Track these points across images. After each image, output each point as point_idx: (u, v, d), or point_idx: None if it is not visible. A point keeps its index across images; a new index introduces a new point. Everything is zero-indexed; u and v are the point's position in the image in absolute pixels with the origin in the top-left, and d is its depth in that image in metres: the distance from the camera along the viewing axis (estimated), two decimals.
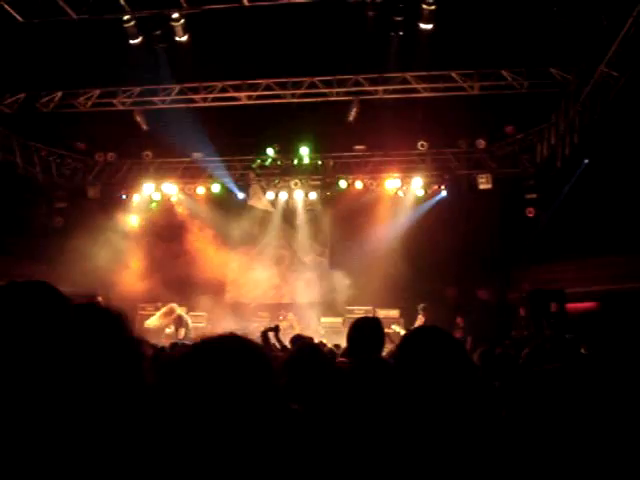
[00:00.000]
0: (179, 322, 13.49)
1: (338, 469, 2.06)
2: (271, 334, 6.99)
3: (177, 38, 11.28)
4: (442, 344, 2.30)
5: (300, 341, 6.88)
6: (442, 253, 14.86)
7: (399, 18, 11.02)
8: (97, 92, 13.59)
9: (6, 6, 10.25)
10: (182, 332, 13.14)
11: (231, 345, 1.59)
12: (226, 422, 1.45)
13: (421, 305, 12.95)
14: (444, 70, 12.84)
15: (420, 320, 12.72)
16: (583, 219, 13.59)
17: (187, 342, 11.51)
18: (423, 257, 15.02)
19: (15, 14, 10.42)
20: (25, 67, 12.02)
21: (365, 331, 4.19)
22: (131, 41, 11.20)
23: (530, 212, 14.62)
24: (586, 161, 13.55)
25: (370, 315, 4.53)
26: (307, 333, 11.82)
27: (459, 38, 11.41)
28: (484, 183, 14.88)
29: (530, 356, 4.90)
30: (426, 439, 2.07)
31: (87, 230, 15.08)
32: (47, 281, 2.03)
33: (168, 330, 13.70)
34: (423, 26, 10.84)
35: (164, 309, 13.75)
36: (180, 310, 13.74)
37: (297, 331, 12.99)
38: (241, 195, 16.64)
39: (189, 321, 13.64)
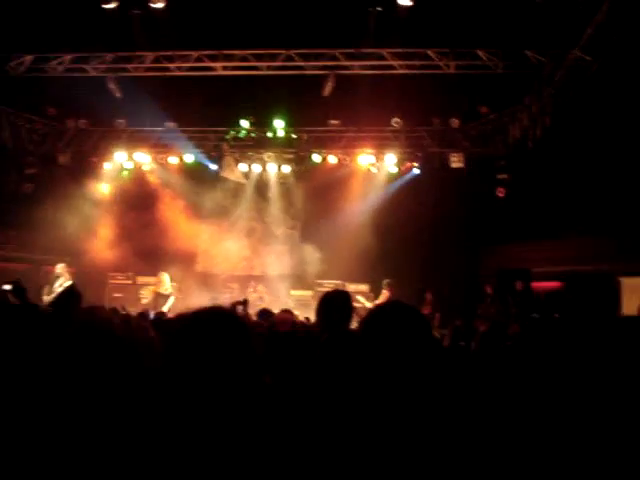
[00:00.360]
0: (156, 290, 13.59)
1: (304, 441, 2.07)
2: (239, 307, 7.09)
3: (153, 5, 11.09)
4: (405, 319, 2.28)
5: (267, 314, 6.98)
6: (412, 230, 15.05)
7: None
8: (69, 57, 13.30)
9: None
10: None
11: (217, 316, 1.71)
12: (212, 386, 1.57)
13: (385, 281, 13.10)
14: (420, 48, 12.84)
15: (384, 296, 12.87)
16: (551, 200, 13.83)
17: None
18: (393, 233, 15.20)
19: None
20: None
21: (335, 304, 4.22)
22: (105, 5, 10.98)
23: (500, 192, 14.78)
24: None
25: (339, 289, 4.60)
26: (277, 305, 11.92)
27: (437, 16, 11.41)
28: (456, 162, 15.01)
29: (489, 334, 5.03)
30: (390, 413, 2.10)
31: (57, 197, 14.94)
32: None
33: (145, 300, 13.73)
34: (401, 2, 10.81)
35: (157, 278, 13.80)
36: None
37: (267, 303, 13.08)
38: (213, 167, 16.54)
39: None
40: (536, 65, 12.48)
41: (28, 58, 13.20)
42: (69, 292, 5.42)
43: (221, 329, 1.67)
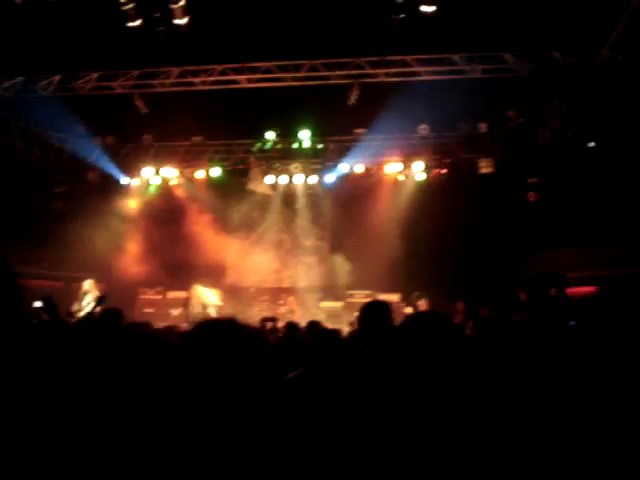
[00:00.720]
0: (186, 304, 13.60)
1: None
2: (269, 323, 7.12)
3: (176, 21, 11.17)
4: (437, 328, 2.30)
5: (294, 327, 6.95)
6: (442, 237, 14.86)
7: (401, 0, 10.92)
8: (96, 75, 13.46)
9: None
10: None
11: (226, 327, 1.71)
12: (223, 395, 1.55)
13: (415, 294, 12.93)
14: (446, 53, 12.73)
15: (414, 308, 12.70)
16: (584, 203, 13.57)
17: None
18: (423, 241, 15.03)
19: None
20: (23, 51, 11.89)
21: (374, 314, 4.18)
22: (130, 24, 11.09)
23: (531, 196, 14.56)
24: (592, 144, 13.44)
25: (379, 299, 4.63)
26: (307, 318, 11.84)
27: (461, 21, 11.30)
28: (485, 167, 14.84)
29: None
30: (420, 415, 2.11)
31: (86, 214, 15.06)
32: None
33: (175, 312, 13.74)
34: (425, 8, 10.72)
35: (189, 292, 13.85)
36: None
37: (297, 316, 13.02)
38: (241, 180, 16.56)
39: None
40: (564, 66, 12.29)
41: (56, 78, 13.36)
42: (111, 311, 5.48)
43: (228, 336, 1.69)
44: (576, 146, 13.08)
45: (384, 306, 4.32)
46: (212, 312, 13.22)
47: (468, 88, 13.07)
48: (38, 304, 5.51)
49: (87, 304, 12.73)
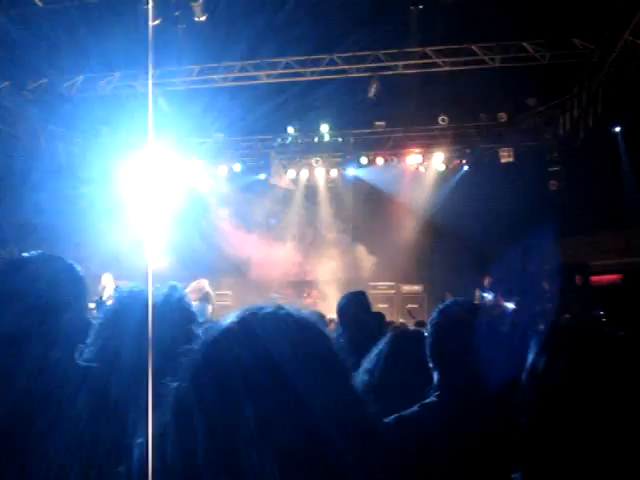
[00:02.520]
0: (206, 298, 13.57)
1: None
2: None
3: (196, 18, 11.25)
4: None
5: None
6: (464, 228, 14.83)
7: None
8: (117, 75, 13.62)
9: None
10: (210, 308, 13.21)
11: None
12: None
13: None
14: (464, 43, 12.70)
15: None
16: (606, 191, 13.49)
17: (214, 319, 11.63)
18: (445, 232, 14.99)
19: (36, 0, 10.47)
20: (46, 52, 12.06)
21: (353, 305, 4.35)
22: (150, 23, 11.17)
23: (553, 185, 14.49)
24: (618, 129, 13.30)
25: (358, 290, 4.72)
26: (331, 310, 11.90)
27: (479, 10, 11.26)
28: (506, 156, 14.78)
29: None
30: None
31: (111, 211, 15.23)
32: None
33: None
34: None
35: (193, 284, 13.82)
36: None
37: (321, 308, 13.07)
38: (263, 175, 16.65)
39: (214, 298, 13.72)
40: (584, 53, 12.21)
41: (79, 79, 13.54)
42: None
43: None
44: (597, 133, 12.97)
45: (362, 296, 4.46)
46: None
47: (487, 77, 13.04)
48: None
49: (107, 299, 12.92)
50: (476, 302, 12.91)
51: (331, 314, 8.73)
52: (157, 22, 11.25)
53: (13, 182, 14.31)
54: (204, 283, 13.69)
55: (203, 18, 11.26)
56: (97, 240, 14.80)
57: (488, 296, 12.66)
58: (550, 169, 14.59)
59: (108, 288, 13.22)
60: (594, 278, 13.42)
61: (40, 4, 10.61)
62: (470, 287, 13.40)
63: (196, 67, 13.41)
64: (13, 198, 14.16)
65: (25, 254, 2.12)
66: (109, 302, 2.54)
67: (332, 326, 6.58)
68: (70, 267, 2.14)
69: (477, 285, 13.64)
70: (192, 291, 13.72)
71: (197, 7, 11.09)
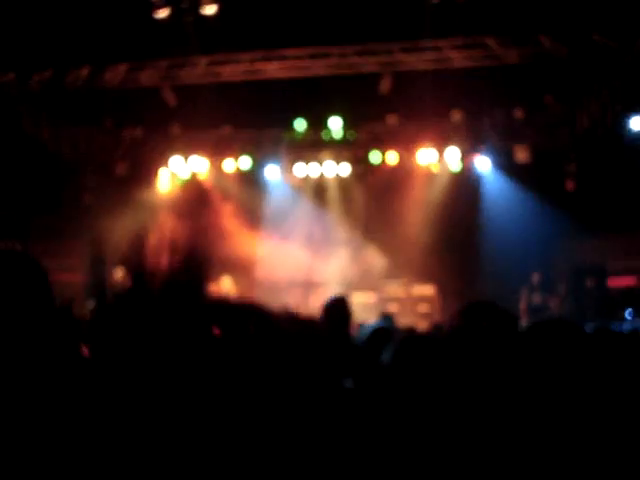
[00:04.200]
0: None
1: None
2: None
3: (204, 10, 11.08)
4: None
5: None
6: (477, 227, 14.66)
7: None
8: (124, 67, 13.42)
9: None
10: None
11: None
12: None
13: None
14: (480, 37, 12.43)
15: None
16: (625, 191, 13.27)
17: None
18: (458, 230, 14.81)
19: None
20: (51, 44, 11.90)
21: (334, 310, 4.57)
22: (157, 14, 11.03)
23: (569, 184, 14.25)
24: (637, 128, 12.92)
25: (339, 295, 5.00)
26: None
27: (495, 4, 11.06)
28: (521, 154, 14.52)
29: None
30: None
31: (116, 206, 15.08)
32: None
33: None
34: None
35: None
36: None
37: None
38: (271, 171, 16.42)
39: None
40: (604, 49, 11.91)
41: (84, 71, 13.35)
42: None
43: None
44: (616, 132, 12.72)
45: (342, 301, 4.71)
46: None
47: (503, 73, 12.81)
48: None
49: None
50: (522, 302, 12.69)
51: None
52: (165, 13, 11.11)
53: (17, 175, 14.21)
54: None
55: (212, 9, 11.10)
56: (102, 235, 14.70)
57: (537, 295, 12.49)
58: (567, 168, 14.31)
59: (122, 281, 13.16)
60: (611, 280, 13.19)
61: None
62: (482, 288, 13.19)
63: (204, 59, 13.18)
64: (16, 191, 14.07)
65: None
66: None
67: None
68: (33, 263, 2.01)
69: (494, 285, 13.39)
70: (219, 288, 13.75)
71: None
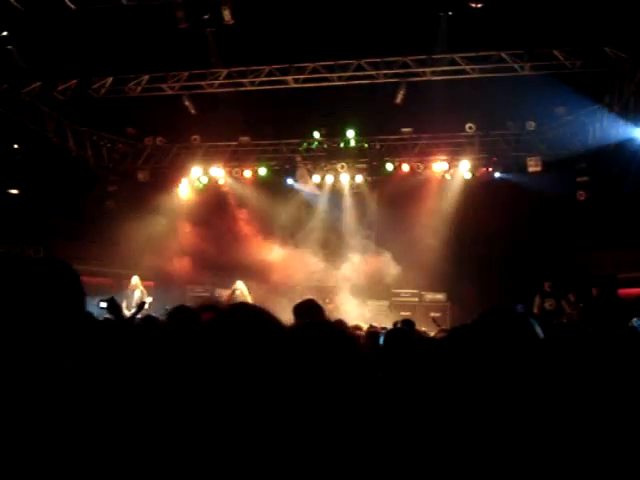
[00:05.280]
0: (230, 299, 13.74)
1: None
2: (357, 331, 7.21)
3: (225, 22, 11.30)
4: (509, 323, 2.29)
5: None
6: (490, 237, 14.68)
7: None
8: (146, 77, 13.73)
9: None
10: None
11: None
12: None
13: None
14: (494, 50, 12.59)
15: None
16: (635, 204, 13.26)
17: None
18: (470, 240, 14.86)
19: (68, 2, 10.60)
20: (77, 54, 12.20)
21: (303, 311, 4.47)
22: (180, 26, 11.26)
23: (581, 195, 14.29)
24: None
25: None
26: (353, 316, 11.86)
27: (509, 17, 11.15)
28: (534, 165, 14.59)
29: None
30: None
31: (137, 213, 15.36)
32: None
33: None
34: (473, 5, 10.64)
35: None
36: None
37: (343, 313, 13.02)
38: (288, 179, 16.67)
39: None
40: (615, 61, 12.03)
41: (108, 80, 13.69)
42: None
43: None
44: (628, 144, 12.75)
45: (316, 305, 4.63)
46: None
47: (516, 85, 12.91)
48: (103, 305, 5.76)
49: (136, 300, 13.06)
50: (536, 309, 12.77)
51: (356, 322, 8.75)
52: (186, 25, 11.35)
53: (41, 181, 14.49)
54: (238, 286, 13.86)
55: (232, 22, 11.32)
56: (122, 240, 14.97)
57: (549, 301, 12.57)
58: (578, 179, 14.36)
59: (138, 290, 13.44)
60: (621, 291, 13.19)
61: (72, 6, 10.72)
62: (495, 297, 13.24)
63: (223, 70, 13.47)
64: (40, 196, 14.34)
65: (24, 258, 2.14)
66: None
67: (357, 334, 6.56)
68: (67, 267, 2.11)
69: (504, 294, 13.46)
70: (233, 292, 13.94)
71: (226, 11, 11.15)
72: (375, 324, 10.09)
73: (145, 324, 4.95)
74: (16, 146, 14.68)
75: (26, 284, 1.95)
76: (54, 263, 2.08)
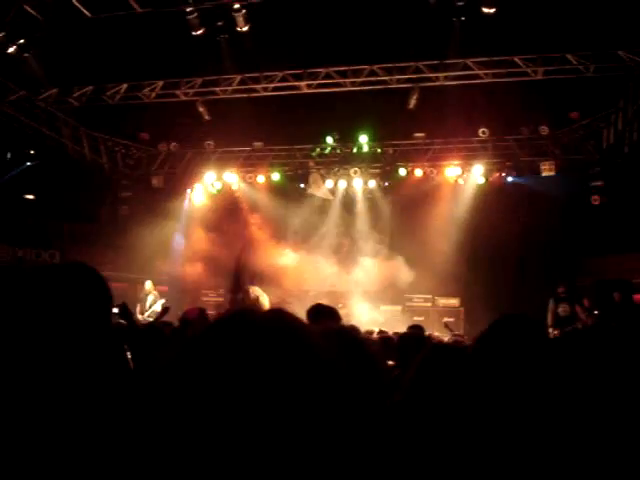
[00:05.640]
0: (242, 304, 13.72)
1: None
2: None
3: (238, 28, 11.36)
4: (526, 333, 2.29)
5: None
6: (504, 242, 14.62)
7: (461, 3, 10.87)
8: (160, 83, 13.82)
9: (75, 3, 10.56)
10: None
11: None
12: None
13: None
14: (507, 55, 12.55)
15: None
16: None
17: None
18: (484, 245, 14.80)
19: (84, 10, 10.71)
20: (92, 61, 12.33)
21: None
22: (193, 33, 11.34)
23: (596, 200, 14.21)
24: None
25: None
26: (366, 321, 11.85)
27: (522, 22, 11.14)
28: (547, 170, 14.54)
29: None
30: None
31: (151, 218, 15.45)
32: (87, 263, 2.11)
33: None
34: (485, 10, 10.64)
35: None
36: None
37: (355, 319, 13.02)
38: (301, 185, 16.69)
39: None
40: (630, 65, 11.96)
41: (123, 86, 13.79)
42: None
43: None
44: None
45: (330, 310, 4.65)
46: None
47: (529, 89, 12.88)
48: (115, 310, 5.84)
49: (149, 305, 13.14)
50: (549, 314, 12.67)
51: (369, 327, 8.77)
52: (200, 32, 11.42)
53: (58, 187, 14.62)
54: (255, 291, 13.87)
55: (245, 28, 11.38)
56: (136, 245, 15.05)
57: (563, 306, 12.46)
58: (593, 184, 14.29)
59: (151, 295, 13.52)
60: (637, 296, 13.08)
61: (87, 14, 10.83)
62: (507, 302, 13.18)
63: (237, 76, 13.52)
64: (55, 201, 14.47)
65: (51, 262, 2.15)
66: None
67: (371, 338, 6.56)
68: (93, 273, 2.11)
69: (518, 299, 13.38)
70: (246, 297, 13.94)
71: (240, 17, 11.22)
72: (384, 329, 10.09)
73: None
74: (32, 152, 14.86)
75: (55, 290, 1.94)
76: (81, 268, 2.08)
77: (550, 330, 11.80)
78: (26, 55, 11.74)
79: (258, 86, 13.69)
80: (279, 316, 1.53)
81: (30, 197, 14.86)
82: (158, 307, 12.56)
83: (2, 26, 11.06)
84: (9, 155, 14.92)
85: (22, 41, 11.48)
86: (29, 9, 10.81)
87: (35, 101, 13.80)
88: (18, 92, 13.41)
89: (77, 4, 10.62)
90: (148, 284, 13.64)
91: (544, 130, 14.64)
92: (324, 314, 4.59)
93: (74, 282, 1.99)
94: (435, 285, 14.98)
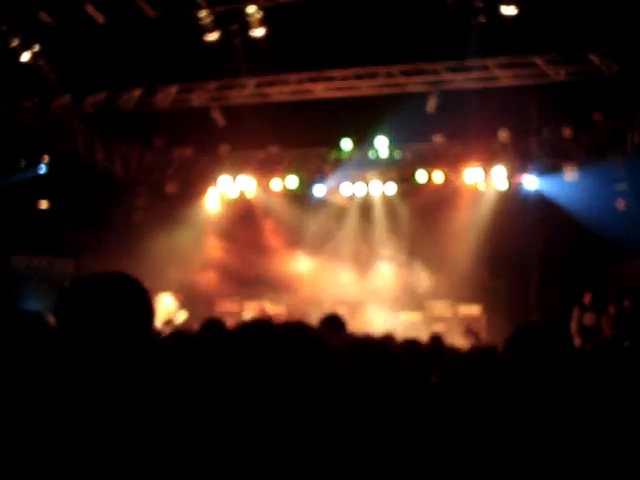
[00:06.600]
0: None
1: None
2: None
3: (253, 32, 11.25)
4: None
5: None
6: (525, 246, 14.38)
7: (480, 4, 10.66)
8: (174, 89, 13.74)
9: (88, 9, 10.50)
10: None
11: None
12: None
13: None
14: (527, 56, 12.33)
15: None
16: None
17: None
18: (505, 250, 14.55)
19: (97, 16, 10.65)
20: (105, 67, 12.28)
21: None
22: (207, 37, 11.25)
23: (620, 204, 13.90)
24: None
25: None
26: (385, 328, 11.57)
27: (544, 22, 10.93)
28: (570, 173, 14.25)
29: None
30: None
31: (166, 225, 15.35)
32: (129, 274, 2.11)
33: None
34: (505, 11, 10.43)
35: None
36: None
37: (375, 326, 12.81)
38: (317, 190, 16.45)
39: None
40: None
41: (137, 92, 13.70)
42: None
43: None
44: None
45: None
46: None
47: (551, 91, 12.66)
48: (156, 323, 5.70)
49: (166, 314, 13.03)
50: (574, 323, 12.38)
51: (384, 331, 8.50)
52: (214, 36, 11.31)
53: (71, 193, 14.59)
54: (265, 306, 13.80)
55: (260, 32, 11.25)
56: (150, 253, 14.93)
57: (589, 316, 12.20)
58: (617, 187, 13.98)
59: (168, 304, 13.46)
60: None
61: (100, 20, 10.76)
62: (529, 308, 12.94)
63: (252, 81, 13.39)
64: (69, 210, 14.43)
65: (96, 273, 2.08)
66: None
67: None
68: (136, 284, 2.10)
69: (542, 306, 13.12)
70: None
71: (254, 21, 11.09)
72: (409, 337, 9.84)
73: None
74: (46, 159, 14.82)
75: (100, 301, 1.96)
76: (125, 280, 2.08)
77: (575, 339, 11.50)
78: (40, 62, 11.71)
79: (273, 90, 13.57)
80: (298, 326, 1.56)
81: (44, 205, 14.82)
82: (181, 317, 12.62)
83: (17, 33, 11.04)
84: (23, 162, 14.91)
85: (37, 48, 11.44)
86: (44, 16, 10.76)
87: (49, 108, 13.75)
88: (32, 99, 13.39)
89: (91, 10, 10.55)
90: (164, 294, 13.42)
91: (566, 132, 14.36)
92: (333, 324, 4.80)
93: (123, 294, 2.02)
94: (456, 292, 14.75)
